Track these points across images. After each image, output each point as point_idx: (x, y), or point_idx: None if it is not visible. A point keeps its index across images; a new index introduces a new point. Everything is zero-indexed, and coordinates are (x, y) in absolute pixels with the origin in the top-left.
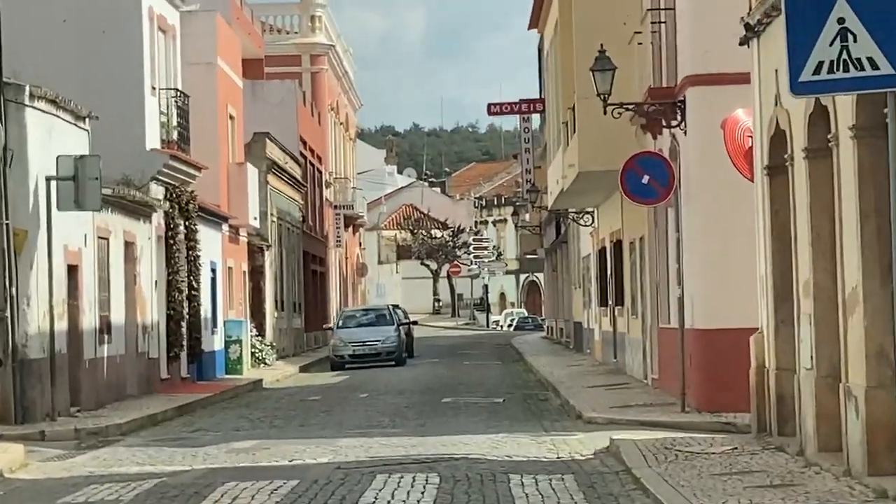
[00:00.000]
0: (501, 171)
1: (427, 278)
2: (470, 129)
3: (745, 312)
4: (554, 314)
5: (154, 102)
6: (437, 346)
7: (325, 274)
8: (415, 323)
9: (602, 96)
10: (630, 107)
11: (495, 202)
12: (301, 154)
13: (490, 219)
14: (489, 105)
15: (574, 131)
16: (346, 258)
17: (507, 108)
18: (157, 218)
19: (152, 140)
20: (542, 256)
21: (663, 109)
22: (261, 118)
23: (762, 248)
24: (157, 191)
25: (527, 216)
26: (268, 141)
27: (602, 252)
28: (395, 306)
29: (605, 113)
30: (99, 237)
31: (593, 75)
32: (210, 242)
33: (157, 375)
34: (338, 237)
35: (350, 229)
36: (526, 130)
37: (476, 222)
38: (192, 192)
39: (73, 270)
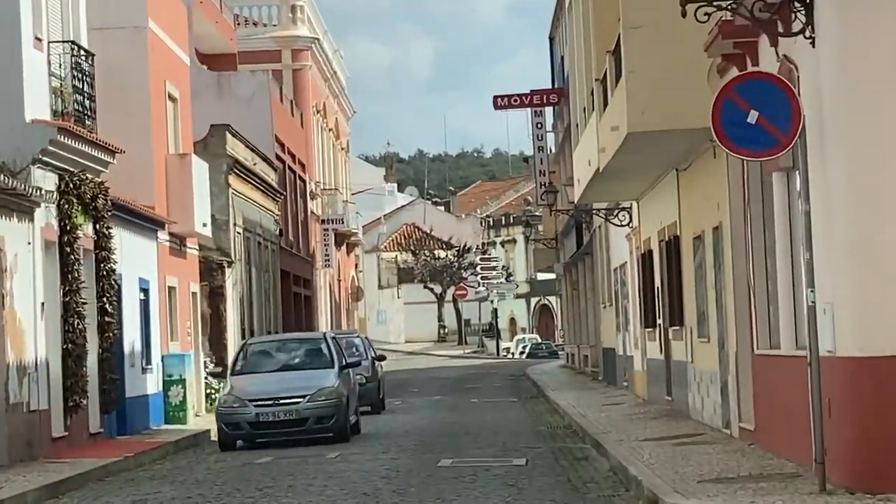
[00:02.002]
0: (509, 188)
1: (431, 303)
2: (476, 154)
3: None
4: (575, 339)
5: (40, 59)
6: (440, 379)
7: (312, 298)
8: (382, 358)
9: None
10: (726, 3)
11: (503, 221)
12: (278, 157)
13: (498, 239)
14: (495, 98)
15: (619, 78)
16: (339, 280)
17: (515, 100)
18: (46, 216)
19: (36, 108)
20: (559, 274)
21: (778, 6)
22: (227, 115)
23: None
24: (45, 179)
25: (540, 228)
26: (228, 135)
27: (646, 257)
28: (350, 333)
29: (683, 14)
30: None
31: None
32: (138, 254)
33: (44, 434)
34: (326, 256)
35: (343, 248)
36: (539, 126)
37: (483, 243)
38: (103, 183)
39: None
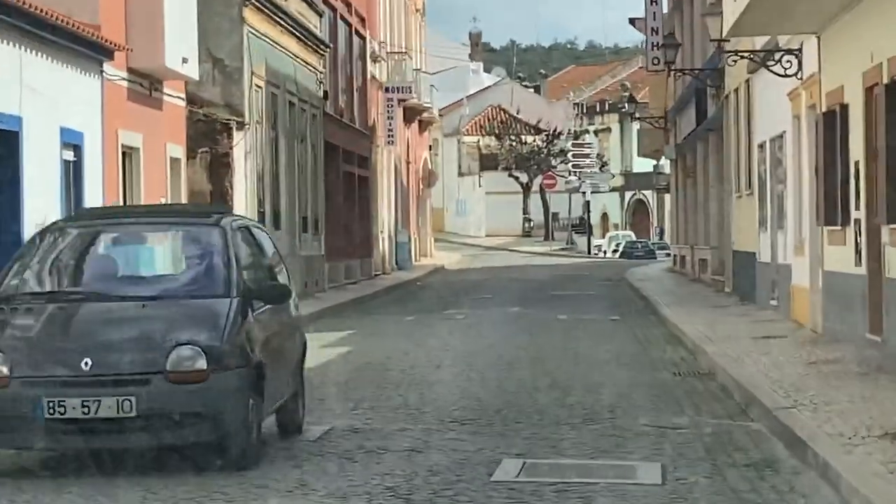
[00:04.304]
0: (605, 73)
1: (516, 193)
2: (569, 46)
3: None
4: (687, 238)
5: None
6: (521, 282)
7: (370, 180)
8: (283, 296)
9: None
10: None
11: (597, 108)
12: (326, 2)
13: (592, 127)
14: None
15: None
16: (408, 162)
17: None
18: None
19: None
20: (670, 157)
21: None
22: None
23: None
24: None
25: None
26: None
27: (831, 118)
28: (249, 226)
29: None
30: None
31: None
32: (61, 93)
33: None
34: (390, 131)
35: (415, 126)
36: None
37: (575, 131)
38: None
39: None
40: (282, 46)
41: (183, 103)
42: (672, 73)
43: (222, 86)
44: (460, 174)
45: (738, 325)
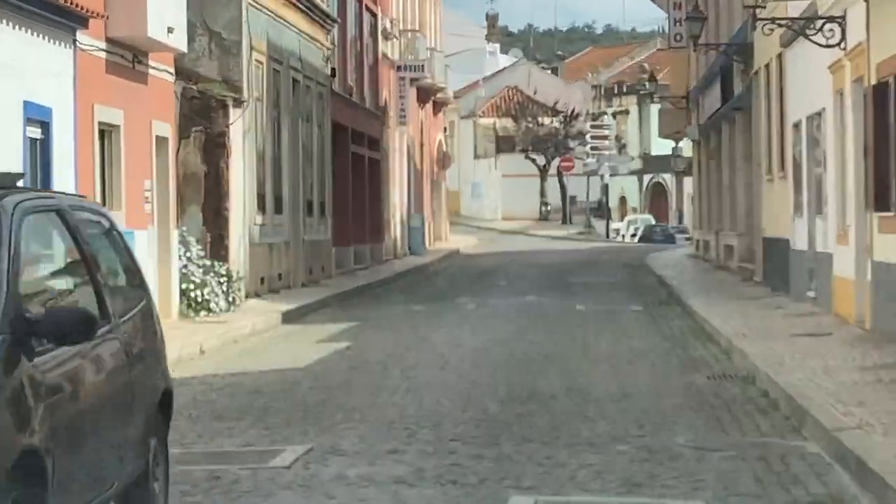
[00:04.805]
0: (623, 55)
1: (533, 176)
2: (586, 30)
3: None
4: (710, 224)
5: None
6: (537, 268)
7: (381, 162)
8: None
9: None
10: None
11: (616, 90)
12: None
13: (610, 109)
14: None
15: None
16: (422, 144)
17: None
18: None
19: None
20: (693, 138)
21: None
22: None
23: None
24: None
25: (667, 85)
26: None
27: (881, 93)
28: (63, 209)
29: None
30: None
31: None
32: (30, 65)
33: None
34: (402, 111)
35: (429, 107)
36: None
37: (593, 114)
38: None
39: None
40: (285, 20)
41: (172, 77)
42: (697, 48)
43: (219, 60)
44: (476, 157)
45: (773, 319)
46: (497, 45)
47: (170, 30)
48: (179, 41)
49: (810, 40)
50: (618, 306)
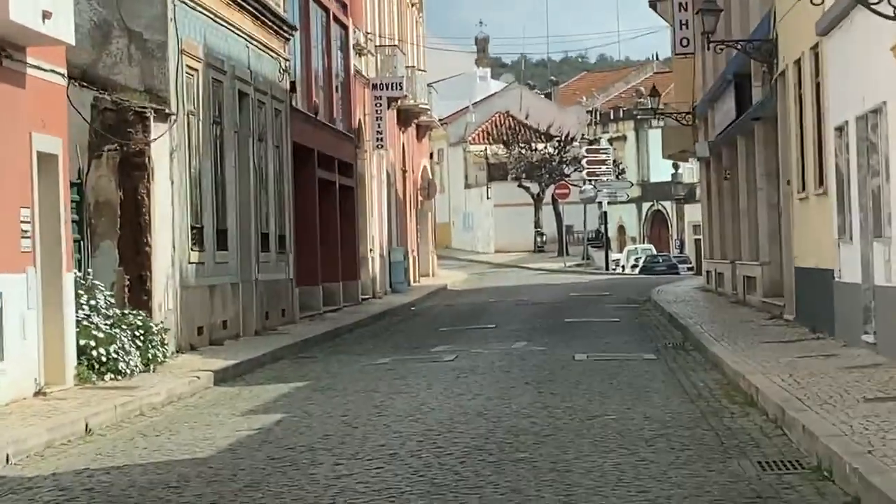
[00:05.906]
0: (618, 80)
1: (527, 205)
2: (580, 60)
3: None
4: (724, 252)
5: None
6: (531, 307)
7: (355, 190)
8: None
9: None
10: None
11: (611, 116)
12: None
13: (605, 135)
14: None
15: None
16: (404, 171)
17: None
18: None
19: None
20: (703, 156)
21: None
22: None
23: None
24: None
25: (671, 100)
26: None
27: None
28: None
29: None
30: None
31: None
32: None
33: None
34: (379, 133)
35: (411, 130)
36: None
37: (589, 139)
38: None
39: None
40: (229, 22)
41: (63, 80)
42: (711, 46)
43: (141, 66)
44: (467, 186)
45: (829, 372)
46: (488, 70)
47: (45, 14)
48: (62, 31)
49: (873, 10)
50: (625, 354)
